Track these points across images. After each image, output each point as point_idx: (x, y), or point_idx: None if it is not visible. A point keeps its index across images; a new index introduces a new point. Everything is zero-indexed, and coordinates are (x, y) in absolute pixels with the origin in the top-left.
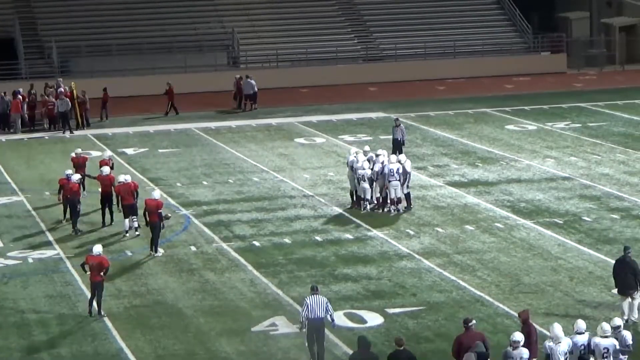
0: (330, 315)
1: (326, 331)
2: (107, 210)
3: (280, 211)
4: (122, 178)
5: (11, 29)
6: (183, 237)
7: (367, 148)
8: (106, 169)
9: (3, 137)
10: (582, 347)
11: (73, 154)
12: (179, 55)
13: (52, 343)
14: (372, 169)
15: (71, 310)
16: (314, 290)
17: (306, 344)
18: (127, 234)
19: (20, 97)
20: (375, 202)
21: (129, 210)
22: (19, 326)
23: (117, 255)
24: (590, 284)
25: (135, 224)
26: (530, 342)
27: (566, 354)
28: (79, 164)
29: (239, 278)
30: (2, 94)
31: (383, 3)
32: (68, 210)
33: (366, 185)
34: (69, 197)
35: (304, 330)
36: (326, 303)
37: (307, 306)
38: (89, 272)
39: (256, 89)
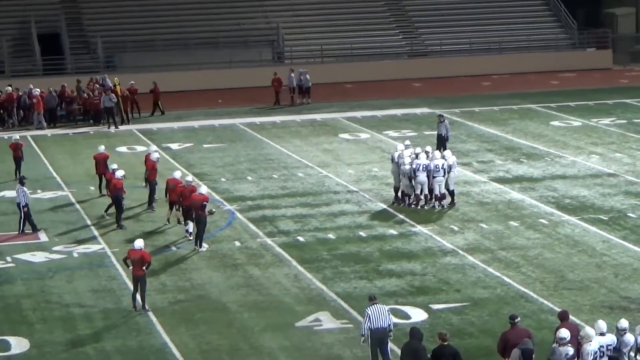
0: (389, 325)
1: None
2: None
3: (325, 207)
4: (178, 175)
5: (57, 25)
6: (227, 232)
7: (407, 142)
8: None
9: (49, 132)
10: (608, 347)
11: (102, 150)
12: (224, 51)
13: (96, 337)
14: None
15: (116, 304)
16: (373, 300)
17: (370, 358)
18: (191, 237)
19: (38, 94)
20: (415, 198)
21: (188, 214)
22: (64, 320)
23: (161, 250)
24: (635, 281)
25: (191, 229)
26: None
27: (595, 353)
28: (100, 161)
29: (283, 273)
30: (50, 89)
31: None
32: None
33: (420, 178)
34: (113, 192)
35: (366, 342)
36: (387, 312)
37: (369, 317)
38: (131, 267)
39: (310, 84)
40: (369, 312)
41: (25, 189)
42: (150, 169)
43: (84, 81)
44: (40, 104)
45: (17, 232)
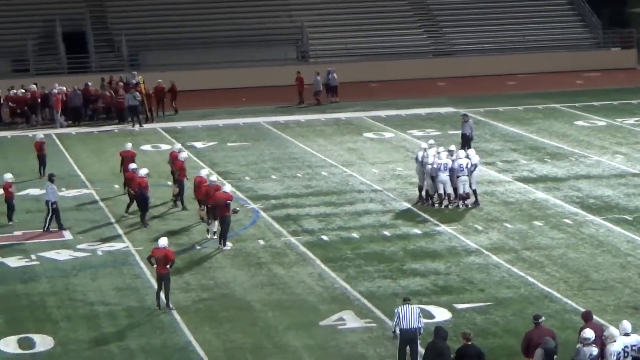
0: (421, 328)
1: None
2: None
3: (349, 206)
4: (204, 173)
5: (82, 23)
6: (251, 230)
7: (431, 142)
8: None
9: (73, 130)
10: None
11: (129, 147)
12: (248, 49)
13: (120, 335)
14: (431, 164)
15: (140, 302)
16: (406, 301)
17: (397, 357)
18: (215, 236)
19: (57, 92)
20: (438, 197)
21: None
22: (88, 318)
23: (185, 248)
24: None
25: (214, 229)
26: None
27: (619, 353)
28: (127, 158)
29: (307, 272)
30: (75, 87)
31: None
32: (130, 203)
33: (442, 177)
34: (137, 190)
35: (396, 339)
36: (418, 314)
37: (399, 316)
38: (155, 265)
39: (337, 82)
40: (399, 312)
41: (54, 186)
42: (180, 169)
43: (97, 83)
44: (58, 102)
45: (42, 230)
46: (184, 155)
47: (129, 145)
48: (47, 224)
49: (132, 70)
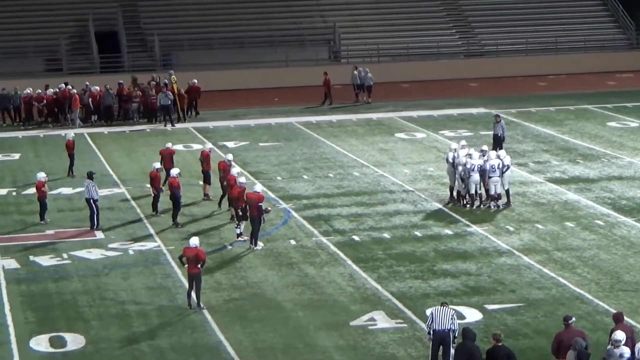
0: (454, 331)
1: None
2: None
3: (380, 206)
4: (235, 172)
5: (115, 23)
6: (283, 230)
7: (463, 142)
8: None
9: (105, 130)
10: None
11: (170, 146)
12: (280, 50)
13: (151, 334)
14: (463, 165)
15: (171, 302)
16: (444, 305)
17: (429, 359)
18: (241, 238)
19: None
20: (470, 198)
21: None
22: (119, 317)
23: (216, 248)
24: None
25: (240, 230)
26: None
27: None
28: (166, 156)
29: (338, 272)
30: (107, 86)
31: None
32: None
33: (474, 178)
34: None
35: (430, 341)
36: (452, 316)
37: (432, 317)
38: (186, 265)
39: (372, 82)
40: (433, 312)
41: (95, 184)
42: (224, 169)
43: (126, 82)
44: (77, 102)
45: (88, 229)
46: (230, 156)
47: (169, 144)
48: (96, 222)
49: (164, 70)
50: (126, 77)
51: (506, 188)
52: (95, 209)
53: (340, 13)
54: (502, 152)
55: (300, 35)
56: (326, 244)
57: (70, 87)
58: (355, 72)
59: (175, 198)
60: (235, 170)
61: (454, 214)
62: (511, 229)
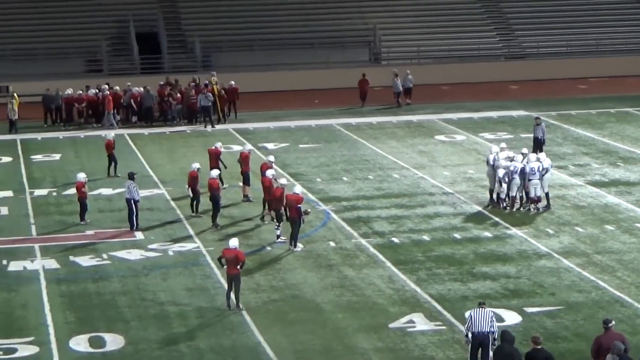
0: (494, 333)
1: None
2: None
3: (420, 208)
4: (270, 174)
5: (155, 24)
6: (322, 232)
7: (503, 145)
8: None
9: (146, 131)
10: None
11: (218, 146)
12: (320, 51)
13: (190, 335)
14: (504, 167)
15: (210, 303)
16: (481, 305)
17: None
18: (279, 239)
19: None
20: (510, 201)
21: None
22: (158, 318)
23: (256, 249)
24: None
25: (278, 232)
26: None
27: None
28: (213, 156)
29: (377, 274)
30: (147, 88)
31: (526, 0)
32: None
33: (515, 181)
34: (209, 191)
35: (468, 344)
36: (491, 317)
37: (471, 319)
38: (225, 266)
39: (412, 84)
40: (472, 315)
41: (136, 184)
42: (265, 171)
43: (183, 80)
44: (110, 103)
45: (128, 229)
46: (271, 157)
47: (218, 144)
48: (135, 223)
49: (204, 72)
50: (165, 78)
51: (546, 191)
52: (135, 210)
53: (381, 15)
54: (542, 155)
55: (341, 37)
56: (365, 246)
57: (110, 88)
58: (397, 79)
59: (214, 199)
60: (270, 172)
61: (494, 217)
62: (551, 231)
